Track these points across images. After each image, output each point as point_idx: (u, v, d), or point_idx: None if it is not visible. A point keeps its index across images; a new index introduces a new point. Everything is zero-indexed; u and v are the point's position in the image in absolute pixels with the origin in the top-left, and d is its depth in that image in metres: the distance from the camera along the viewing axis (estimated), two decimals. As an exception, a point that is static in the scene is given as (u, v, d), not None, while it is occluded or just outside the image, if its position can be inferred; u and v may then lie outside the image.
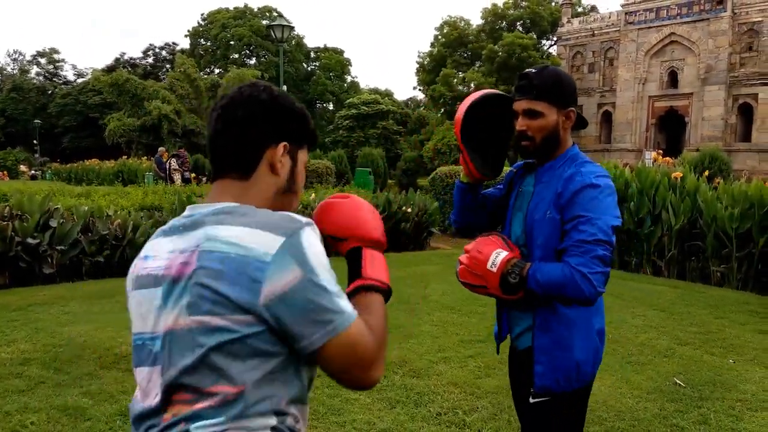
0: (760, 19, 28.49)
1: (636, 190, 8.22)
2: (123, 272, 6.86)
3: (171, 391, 0.96)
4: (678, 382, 3.96)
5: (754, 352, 4.60)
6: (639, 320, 5.52)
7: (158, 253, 1.02)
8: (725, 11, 29.05)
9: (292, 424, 1.00)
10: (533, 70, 1.72)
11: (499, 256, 1.63)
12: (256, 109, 1.07)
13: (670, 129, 31.52)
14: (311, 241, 0.97)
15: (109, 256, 7.16)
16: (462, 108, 1.79)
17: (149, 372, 0.99)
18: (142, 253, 1.08)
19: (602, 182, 1.65)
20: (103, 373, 3.86)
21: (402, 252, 9.61)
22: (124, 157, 25.53)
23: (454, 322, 5.30)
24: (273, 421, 0.96)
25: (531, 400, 1.73)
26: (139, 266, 1.06)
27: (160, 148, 18.70)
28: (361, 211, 1.16)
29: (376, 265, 1.11)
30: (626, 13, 33.09)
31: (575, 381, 1.69)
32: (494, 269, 1.62)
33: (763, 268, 7.04)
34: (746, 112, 29.16)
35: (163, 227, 1.07)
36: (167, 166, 16.48)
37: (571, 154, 1.76)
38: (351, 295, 1.06)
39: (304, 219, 0.99)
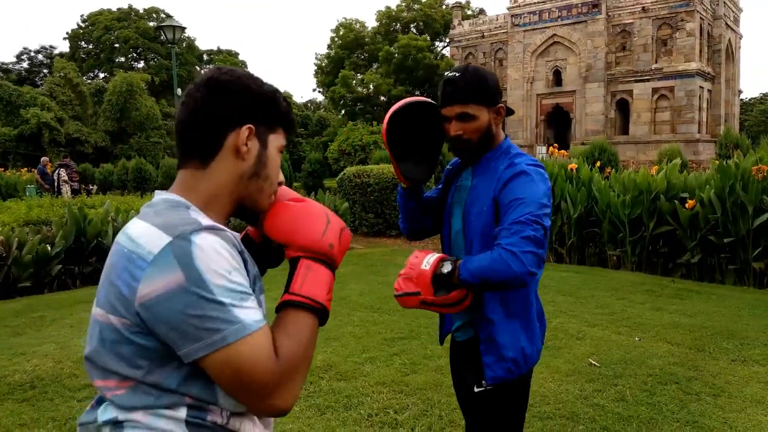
0: (631, 20, 30.94)
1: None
2: (9, 294, 6.28)
3: (94, 378, 0.96)
4: (593, 362, 4.15)
5: (655, 329, 4.91)
6: (550, 306, 5.75)
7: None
8: (600, 14, 31.27)
9: (219, 420, 0.94)
10: (456, 74, 1.72)
11: (433, 256, 1.63)
12: (214, 92, 1.00)
13: (558, 125, 33.46)
14: (206, 245, 0.88)
15: (-10, 277, 6.47)
16: (386, 118, 1.79)
17: None
18: None
19: (533, 170, 1.67)
20: (-6, 407, 3.45)
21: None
22: (1, 169, 23.36)
23: (375, 321, 5.25)
24: (183, 414, 0.92)
25: (476, 389, 1.72)
26: None
27: (43, 158, 17.27)
28: (309, 217, 1.04)
29: (309, 280, 0.98)
30: (512, 16, 34.75)
31: (523, 366, 1.72)
32: (428, 267, 1.59)
33: (654, 250, 7.59)
34: (623, 108, 31.55)
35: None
36: (54, 177, 15.23)
37: (505, 147, 1.79)
38: (277, 311, 0.98)
39: (207, 222, 0.93)
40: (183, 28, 17.44)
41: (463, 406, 1.91)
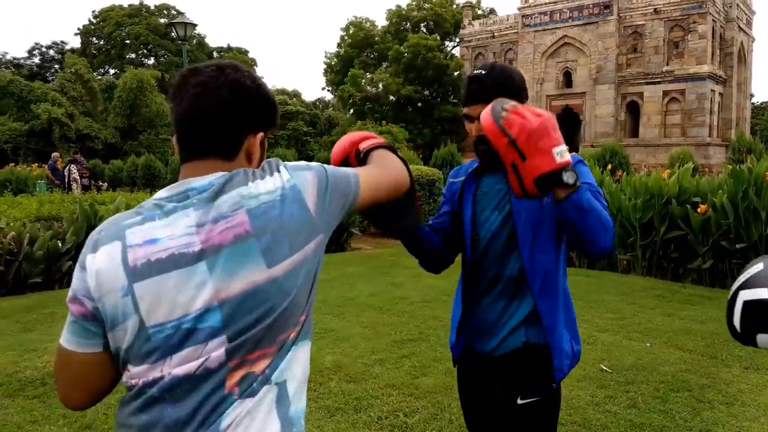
0: (642, 22, 30.75)
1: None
2: (20, 289, 6.30)
3: (237, 355, 0.96)
4: (604, 368, 4.12)
5: (667, 335, 4.88)
6: (560, 310, 5.72)
7: (171, 233, 0.96)
8: (612, 15, 31.10)
9: None
10: (483, 71, 1.67)
11: (566, 152, 1.35)
12: (241, 95, 1.05)
13: (567, 127, 33.35)
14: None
15: (2, 272, 6.51)
16: None
17: (195, 351, 0.94)
18: (136, 239, 0.97)
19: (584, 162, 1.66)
20: (7, 402, 3.47)
21: (324, 254, 9.46)
22: (12, 164, 23.50)
23: (384, 322, 5.24)
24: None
25: (520, 401, 1.63)
26: (142, 253, 0.95)
27: (54, 154, 17.37)
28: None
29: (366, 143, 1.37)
30: (523, 16, 34.63)
31: (571, 367, 1.69)
32: (559, 159, 1.33)
33: (664, 255, 7.53)
34: (634, 110, 31.37)
35: (139, 212, 1.01)
36: (65, 173, 15.31)
37: None
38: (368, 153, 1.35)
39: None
40: (194, 25, 17.48)
41: (481, 425, 1.77)
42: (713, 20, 29.82)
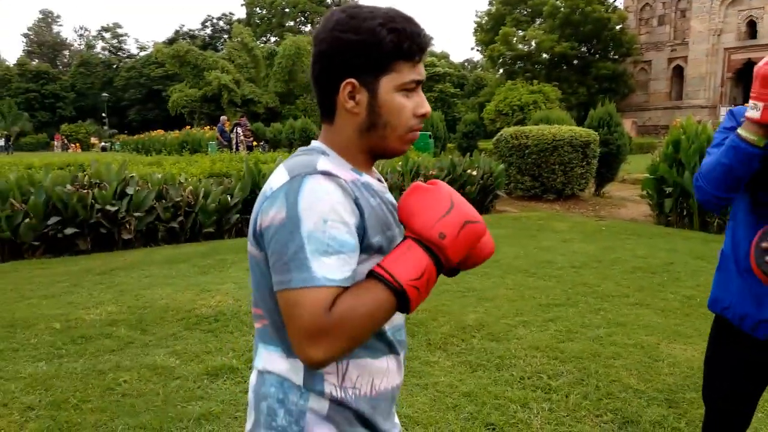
0: None
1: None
2: (195, 238, 7.06)
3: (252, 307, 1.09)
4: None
5: None
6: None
7: None
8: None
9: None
10: None
11: None
12: (315, 52, 1.02)
13: (747, 84, 29.62)
14: (316, 188, 0.92)
15: (182, 222, 7.35)
16: None
17: None
18: None
19: None
20: (186, 334, 3.96)
21: (467, 216, 9.47)
22: (188, 127, 26.18)
23: (529, 285, 5.15)
24: None
25: None
26: None
27: (222, 117, 19.02)
28: (429, 201, 0.97)
29: (402, 259, 0.93)
30: (701, -41, 30.94)
31: None
32: None
33: None
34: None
35: None
36: (233, 136, 16.75)
37: None
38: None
39: (323, 167, 0.96)
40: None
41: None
42: None
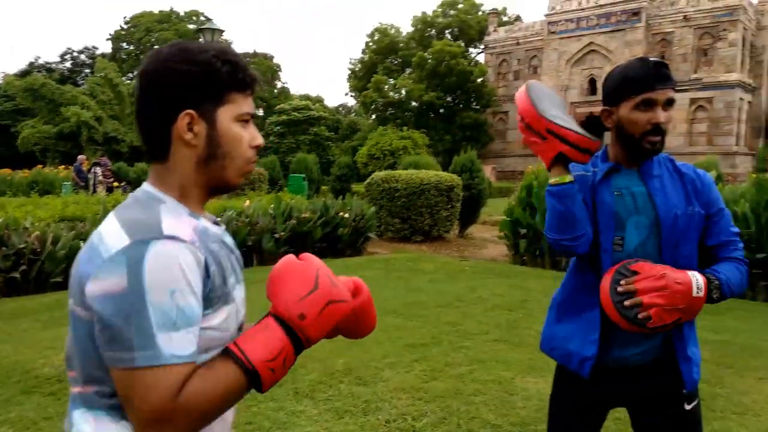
0: (671, 29, 30.38)
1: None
2: (41, 288, 6.42)
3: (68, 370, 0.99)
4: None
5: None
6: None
7: None
8: (640, 22, 30.78)
9: None
10: (656, 58, 1.61)
11: (696, 278, 1.48)
12: (147, 86, 0.97)
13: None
14: (162, 256, 0.86)
15: (25, 271, 6.68)
16: (522, 95, 1.56)
17: None
18: None
19: None
20: (23, 398, 3.56)
21: (340, 258, 9.53)
22: (40, 166, 24.10)
23: (398, 326, 5.26)
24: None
25: (687, 407, 1.65)
26: None
27: (80, 156, 17.77)
28: (294, 278, 0.96)
29: (258, 339, 0.91)
30: (549, 23, 34.46)
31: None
32: (701, 294, 1.47)
33: None
34: (660, 118, 30.93)
35: None
36: (90, 175, 15.65)
37: None
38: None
39: (171, 232, 0.89)
40: (221, 31, 17.76)
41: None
42: (744, 28, 29.31)
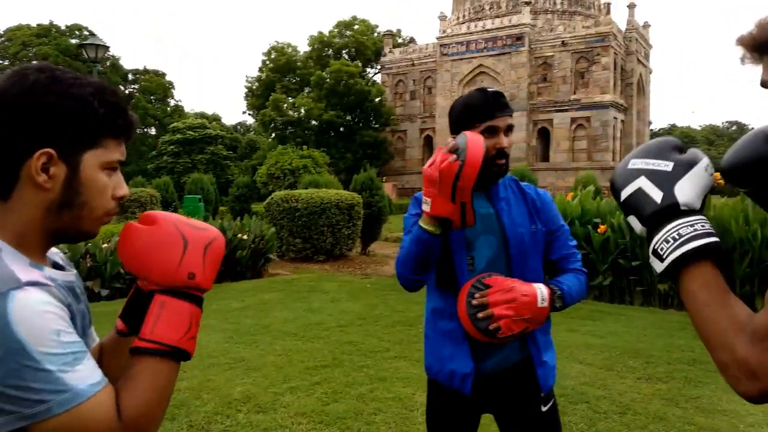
0: (551, 53, 32.59)
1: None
2: None
3: None
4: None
5: (569, 350, 5.11)
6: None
7: None
8: (523, 46, 32.77)
9: None
10: (493, 88, 1.75)
11: (541, 290, 1.61)
12: (1, 108, 0.84)
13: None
14: (30, 304, 0.76)
15: None
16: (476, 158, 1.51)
17: None
18: None
19: None
20: None
21: (239, 281, 9.28)
22: None
23: (298, 349, 5.19)
24: None
25: (544, 408, 1.75)
26: None
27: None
28: (160, 244, 0.88)
29: (163, 320, 0.86)
30: (441, 45, 35.83)
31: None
32: (545, 304, 1.60)
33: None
34: (545, 136, 33.00)
35: None
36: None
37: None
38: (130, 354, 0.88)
39: (27, 276, 0.80)
40: (106, 47, 16.90)
41: None
42: (615, 53, 32.00)
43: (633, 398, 3.99)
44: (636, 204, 0.93)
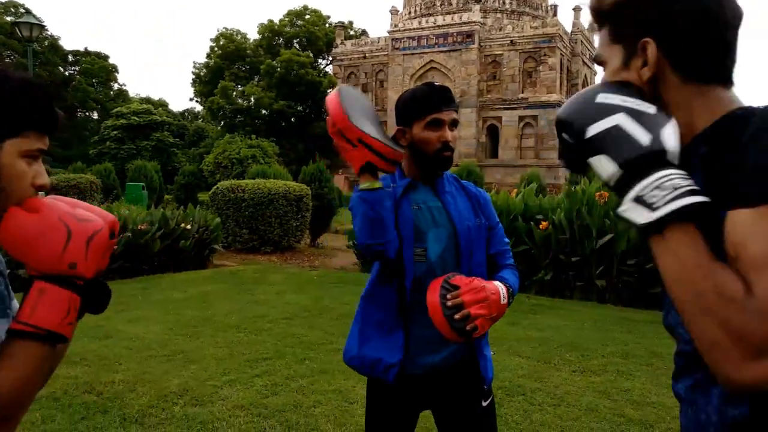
0: (500, 52, 33.12)
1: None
2: None
3: None
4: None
5: (509, 343, 5.23)
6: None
7: None
8: (473, 44, 33.19)
9: None
10: (436, 83, 1.76)
11: (501, 287, 1.64)
12: None
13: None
14: None
15: None
16: (335, 102, 1.55)
17: None
18: None
19: None
20: None
21: (182, 272, 9.06)
22: None
23: (240, 341, 5.11)
24: None
25: (485, 403, 1.78)
26: None
27: None
28: (42, 232, 0.89)
29: (42, 306, 0.88)
30: (393, 40, 35.88)
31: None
32: (506, 301, 1.63)
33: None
34: (494, 133, 33.56)
35: None
36: None
37: None
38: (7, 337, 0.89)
39: None
40: (41, 26, 16.15)
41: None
42: (561, 54, 32.80)
43: (567, 390, 4.11)
44: (612, 143, 0.81)
